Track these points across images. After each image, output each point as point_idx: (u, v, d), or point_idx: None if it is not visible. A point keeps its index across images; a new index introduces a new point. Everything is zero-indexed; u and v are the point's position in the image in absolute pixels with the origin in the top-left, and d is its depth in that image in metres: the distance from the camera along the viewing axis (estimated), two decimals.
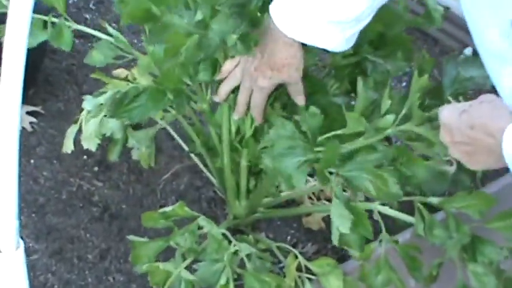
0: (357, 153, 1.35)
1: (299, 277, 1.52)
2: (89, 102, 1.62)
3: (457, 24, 2.19)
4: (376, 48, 1.51)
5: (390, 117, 1.31)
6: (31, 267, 1.68)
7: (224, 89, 1.46)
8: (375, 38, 1.50)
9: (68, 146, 1.73)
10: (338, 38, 1.31)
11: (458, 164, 1.65)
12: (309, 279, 1.52)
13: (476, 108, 1.14)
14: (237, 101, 1.45)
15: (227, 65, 1.44)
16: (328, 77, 1.55)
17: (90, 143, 1.68)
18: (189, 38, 1.35)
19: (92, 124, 1.65)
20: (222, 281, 1.42)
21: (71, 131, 1.71)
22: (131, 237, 1.56)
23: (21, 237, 1.11)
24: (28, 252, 1.68)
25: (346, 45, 1.34)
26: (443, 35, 2.28)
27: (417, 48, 2.30)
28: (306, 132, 1.36)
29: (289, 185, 1.35)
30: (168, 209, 1.45)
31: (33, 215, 1.80)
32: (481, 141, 1.11)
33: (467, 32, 2.45)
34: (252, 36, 1.36)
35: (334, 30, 1.30)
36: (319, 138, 1.36)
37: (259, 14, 1.39)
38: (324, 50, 1.33)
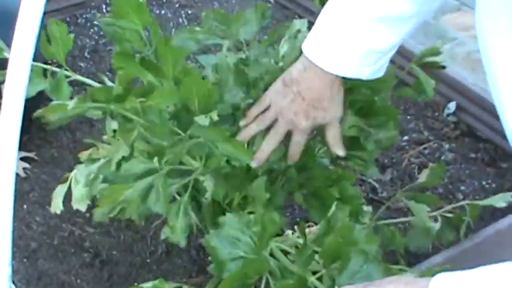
0: None
1: None
2: (81, 173, 1.57)
3: (442, 79, 2.24)
4: (364, 116, 1.48)
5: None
6: None
7: (248, 134, 1.42)
8: (364, 104, 1.47)
9: (57, 206, 1.66)
10: (374, 67, 1.31)
11: (443, 220, 1.68)
12: None
13: (381, 279, 1.08)
14: (261, 147, 1.40)
15: (253, 111, 1.41)
16: (314, 140, 1.52)
17: (80, 204, 1.62)
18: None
19: (81, 187, 1.59)
20: None
21: (59, 192, 1.65)
22: None
23: (13, 282, 1.14)
24: None
25: (378, 74, 1.33)
26: None
27: (402, 102, 2.35)
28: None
29: (217, 271, 1.29)
30: (148, 284, 1.37)
31: (25, 259, 1.81)
32: None
33: (451, 87, 2.50)
34: None
35: (372, 60, 1.30)
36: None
37: None
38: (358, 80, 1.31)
